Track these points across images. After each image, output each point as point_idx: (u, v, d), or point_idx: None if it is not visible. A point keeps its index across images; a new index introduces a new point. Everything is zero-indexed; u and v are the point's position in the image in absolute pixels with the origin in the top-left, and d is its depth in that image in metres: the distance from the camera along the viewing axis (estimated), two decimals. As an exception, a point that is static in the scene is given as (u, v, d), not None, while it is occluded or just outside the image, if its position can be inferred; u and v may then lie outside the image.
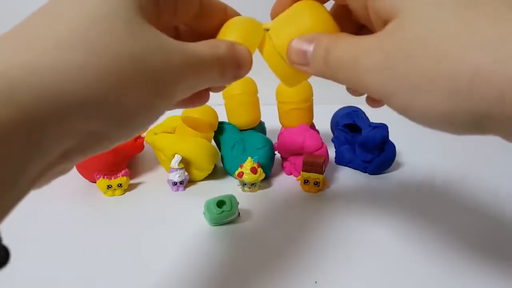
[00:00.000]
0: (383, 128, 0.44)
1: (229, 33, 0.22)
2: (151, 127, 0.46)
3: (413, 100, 0.16)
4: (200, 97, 0.22)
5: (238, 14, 0.23)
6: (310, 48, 0.20)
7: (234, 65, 0.20)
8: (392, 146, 0.45)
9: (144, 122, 0.17)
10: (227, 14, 0.22)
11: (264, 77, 0.50)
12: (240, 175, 0.40)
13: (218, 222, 0.35)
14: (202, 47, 0.18)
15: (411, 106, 0.16)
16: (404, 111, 0.17)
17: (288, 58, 0.21)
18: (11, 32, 0.14)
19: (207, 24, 0.22)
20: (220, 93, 0.45)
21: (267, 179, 0.44)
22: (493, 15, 0.14)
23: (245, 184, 0.41)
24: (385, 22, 0.17)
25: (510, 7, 0.14)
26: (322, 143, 0.43)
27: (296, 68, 0.21)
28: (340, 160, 0.48)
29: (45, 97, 0.12)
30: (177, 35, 0.23)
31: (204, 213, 0.35)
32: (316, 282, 0.28)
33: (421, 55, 0.15)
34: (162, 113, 0.17)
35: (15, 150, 0.12)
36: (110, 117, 0.14)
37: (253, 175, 0.40)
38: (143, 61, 0.15)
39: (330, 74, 0.19)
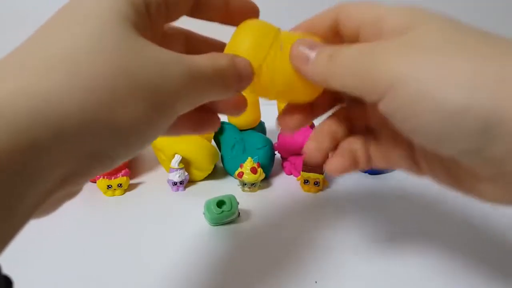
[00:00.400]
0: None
1: (239, 44, 0.21)
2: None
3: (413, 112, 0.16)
4: (209, 121, 0.22)
5: (243, 4, 0.22)
6: (312, 54, 0.20)
7: (236, 78, 0.19)
8: None
9: (144, 139, 0.16)
10: (229, 5, 0.21)
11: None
12: (240, 175, 0.40)
13: (218, 222, 0.35)
14: (202, 59, 0.17)
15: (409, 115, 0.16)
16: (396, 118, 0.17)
17: (291, 60, 0.21)
18: (6, 57, 0.14)
19: (209, 17, 0.21)
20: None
21: (267, 179, 0.44)
22: None
23: (245, 184, 0.41)
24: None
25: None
26: (322, 143, 0.43)
27: (298, 69, 0.21)
28: None
29: (38, 120, 0.12)
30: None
31: (204, 213, 0.35)
32: (316, 282, 0.28)
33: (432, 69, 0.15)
34: (163, 129, 0.16)
35: (9, 178, 0.11)
36: (108, 136, 0.14)
37: (253, 175, 0.40)
38: (138, 76, 0.14)
39: (331, 73, 0.19)
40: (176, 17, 0.20)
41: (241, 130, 0.46)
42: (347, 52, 0.18)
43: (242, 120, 0.45)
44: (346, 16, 0.21)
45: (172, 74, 0.15)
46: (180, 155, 0.41)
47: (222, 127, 0.45)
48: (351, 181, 0.44)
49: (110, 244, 0.33)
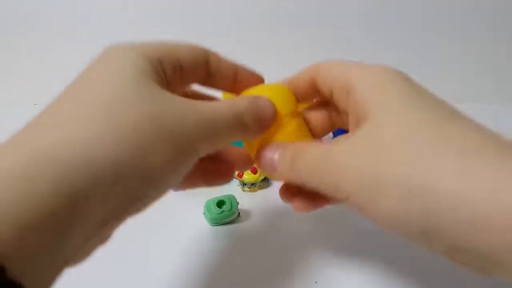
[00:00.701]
0: None
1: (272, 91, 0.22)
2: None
3: (371, 201, 0.18)
4: (222, 174, 0.23)
5: (249, 77, 0.23)
6: (275, 156, 0.21)
7: (255, 120, 0.20)
8: None
9: (170, 181, 0.18)
10: (238, 75, 0.22)
11: (264, 77, 0.50)
12: (240, 175, 0.40)
13: (218, 222, 0.35)
14: (219, 104, 0.18)
15: (368, 206, 0.18)
16: (360, 209, 0.19)
17: (258, 165, 0.22)
18: (45, 110, 0.16)
19: (219, 87, 0.23)
20: (220, 93, 0.45)
21: (267, 179, 0.44)
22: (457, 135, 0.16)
23: (245, 184, 0.41)
24: (358, 119, 0.19)
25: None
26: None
27: (266, 173, 0.23)
28: None
29: (76, 167, 0.13)
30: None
31: (204, 213, 0.35)
32: (316, 282, 0.28)
33: (382, 162, 0.16)
34: (186, 171, 0.18)
35: (53, 224, 0.12)
36: (139, 180, 0.15)
37: (253, 175, 0.40)
38: (162, 122, 0.16)
39: (295, 177, 0.20)
40: (189, 83, 0.22)
41: (241, 130, 0.46)
42: (307, 156, 0.19)
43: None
44: (320, 79, 0.22)
45: (189, 123, 0.17)
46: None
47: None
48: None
49: (109, 244, 0.33)
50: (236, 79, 0.22)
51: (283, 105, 0.22)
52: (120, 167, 0.14)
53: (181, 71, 0.20)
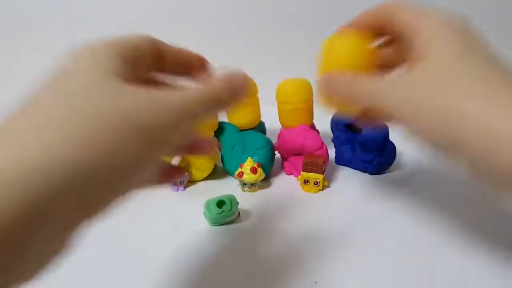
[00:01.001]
0: (383, 128, 0.44)
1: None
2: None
3: (415, 120, 0.22)
4: (206, 146, 0.24)
5: (189, 56, 0.23)
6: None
7: (230, 96, 0.20)
8: (393, 147, 0.45)
9: (143, 172, 0.17)
10: (180, 56, 0.23)
11: (264, 77, 0.50)
12: (240, 175, 0.40)
13: (218, 222, 0.35)
14: (193, 92, 0.18)
15: (413, 124, 0.23)
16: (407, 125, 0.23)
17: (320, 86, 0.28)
18: (8, 121, 0.15)
19: (170, 71, 0.23)
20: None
21: (267, 179, 0.44)
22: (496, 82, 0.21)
23: (245, 184, 0.41)
24: (417, 58, 0.23)
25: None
26: (322, 143, 0.43)
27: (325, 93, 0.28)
28: (340, 160, 0.48)
29: (36, 180, 0.13)
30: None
31: (204, 213, 0.35)
32: (316, 282, 0.28)
33: (428, 92, 0.21)
34: (160, 158, 0.18)
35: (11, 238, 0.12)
36: (111, 176, 0.15)
37: (253, 175, 0.40)
38: (133, 118, 0.15)
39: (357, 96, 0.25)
40: (150, 72, 0.21)
41: (241, 130, 0.46)
42: (369, 81, 0.25)
43: (242, 120, 0.45)
44: (396, 19, 0.25)
45: (164, 111, 0.17)
46: (180, 155, 0.41)
47: (222, 127, 0.45)
48: (351, 181, 0.44)
49: (109, 244, 0.33)
50: (180, 60, 0.23)
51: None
52: (90, 169, 0.14)
53: (143, 62, 0.20)
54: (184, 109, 0.17)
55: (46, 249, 0.15)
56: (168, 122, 0.17)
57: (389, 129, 0.44)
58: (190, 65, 0.23)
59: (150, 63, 0.21)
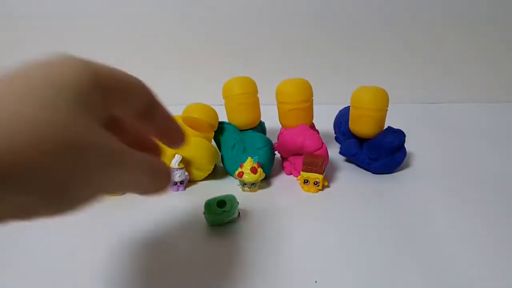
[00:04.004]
0: (400, 134, 0.44)
1: None
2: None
3: None
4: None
5: (175, 130, 0.23)
6: None
7: (159, 180, 0.21)
8: (403, 153, 0.45)
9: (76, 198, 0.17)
10: (166, 126, 0.23)
11: (264, 77, 0.50)
12: (240, 175, 0.40)
13: (218, 222, 0.35)
14: (126, 148, 0.18)
15: None
16: None
17: None
18: None
19: (146, 129, 0.23)
20: (220, 93, 0.46)
21: (267, 179, 0.44)
22: None
23: (245, 184, 0.41)
24: None
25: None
26: (322, 143, 0.43)
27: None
28: (345, 152, 0.47)
29: None
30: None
31: (204, 213, 0.35)
32: (316, 282, 0.28)
33: None
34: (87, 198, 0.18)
35: None
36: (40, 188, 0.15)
37: (253, 175, 0.40)
38: (66, 137, 0.15)
39: None
40: (127, 116, 0.21)
41: (241, 130, 0.46)
42: None
43: (242, 120, 0.45)
44: None
45: (95, 153, 0.17)
46: (180, 155, 0.41)
47: (222, 127, 0.45)
48: (351, 181, 0.44)
49: (109, 244, 0.33)
50: (162, 129, 0.23)
51: None
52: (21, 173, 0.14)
53: (124, 106, 0.20)
54: (109, 161, 0.18)
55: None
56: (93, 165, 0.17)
57: (405, 137, 0.44)
58: (165, 136, 0.23)
59: (132, 112, 0.21)
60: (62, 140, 0.15)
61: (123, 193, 0.19)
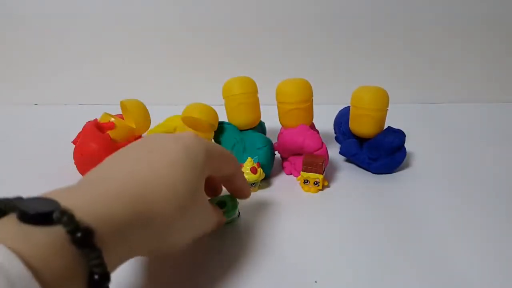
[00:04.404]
0: (400, 134, 0.44)
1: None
2: (152, 127, 0.46)
3: None
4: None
5: (240, 189, 0.34)
6: None
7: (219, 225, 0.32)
8: (403, 153, 0.45)
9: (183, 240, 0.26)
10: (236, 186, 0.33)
11: (264, 77, 0.50)
12: (240, 175, 0.40)
13: (218, 222, 0.35)
14: (218, 213, 0.31)
15: None
16: None
17: None
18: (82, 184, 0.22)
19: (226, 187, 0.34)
20: (220, 93, 0.46)
21: (267, 179, 0.44)
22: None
23: (245, 184, 0.41)
24: None
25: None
26: (322, 143, 0.43)
27: None
28: (346, 152, 0.47)
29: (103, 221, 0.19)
30: None
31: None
32: (316, 282, 0.28)
33: None
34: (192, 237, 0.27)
35: (116, 232, 0.19)
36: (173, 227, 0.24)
37: (253, 175, 0.40)
38: (195, 212, 0.25)
39: None
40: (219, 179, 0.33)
41: (241, 130, 0.46)
42: None
43: (242, 120, 0.45)
44: None
45: (207, 218, 0.28)
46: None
47: (222, 127, 0.45)
48: (350, 181, 0.44)
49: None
50: (237, 190, 0.33)
51: None
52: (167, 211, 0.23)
53: (218, 172, 0.29)
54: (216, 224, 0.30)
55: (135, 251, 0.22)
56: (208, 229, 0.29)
57: (405, 137, 0.44)
58: (237, 194, 0.34)
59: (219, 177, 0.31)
60: (190, 195, 0.24)
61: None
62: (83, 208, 0.18)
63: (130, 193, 0.21)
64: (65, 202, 0.18)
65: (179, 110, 0.45)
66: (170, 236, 0.24)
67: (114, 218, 0.19)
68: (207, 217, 0.28)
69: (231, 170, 0.31)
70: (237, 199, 0.35)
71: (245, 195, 0.34)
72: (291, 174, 0.46)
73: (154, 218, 0.22)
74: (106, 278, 0.17)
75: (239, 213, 0.36)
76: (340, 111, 0.53)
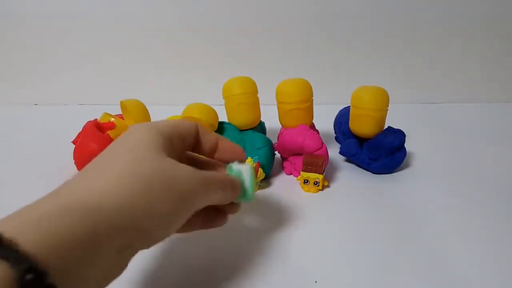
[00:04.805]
0: (400, 134, 0.44)
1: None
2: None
3: None
4: (217, 219, 0.29)
5: (228, 144, 0.29)
6: None
7: (231, 190, 0.26)
8: (403, 153, 0.45)
9: (172, 225, 0.22)
10: (219, 144, 0.29)
11: (264, 77, 0.50)
12: (240, 175, 0.40)
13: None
14: (212, 174, 0.25)
15: None
16: None
17: None
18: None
19: (204, 153, 0.29)
20: (220, 93, 0.46)
21: (267, 179, 0.44)
22: None
23: (245, 184, 0.41)
24: None
25: None
26: (322, 143, 0.43)
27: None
28: (346, 152, 0.47)
29: (99, 213, 0.18)
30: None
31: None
32: (316, 282, 0.28)
33: None
34: (187, 216, 0.23)
35: (81, 249, 0.17)
36: (149, 220, 0.20)
37: (253, 175, 0.40)
38: (168, 180, 0.21)
39: None
40: (187, 151, 0.28)
41: (241, 130, 0.46)
42: None
43: (242, 120, 0.45)
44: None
45: (193, 180, 0.23)
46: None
47: (222, 127, 0.45)
48: (351, 181, 0.44)
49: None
50: (218, 147, 0.29)
51: None
52: (133, 212, 0.19)
53: (184, 143, 0.26)
54: (203, 186, 0.23)
55: (103, 271, 0.18)
56: (193, 189, 0.22)
57: (405, 137, 0.44)
58: (224, 152, 0.29)
59: (190, 146, 0.27)
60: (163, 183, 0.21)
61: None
62: (27, 233, 0.15)
63: (87, 206, 0.18)
64: (6, 226, 0.15)
65: (179, 110, 0.45)
66: (152, 235, 0.21)
67: (67, 240, 0.16)
68: (189, 186, 0.23)
69: (192, 130, 0.27)
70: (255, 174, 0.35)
71: (240, 155, 0.30)
72: (291, 174, 0.46)
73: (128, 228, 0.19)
74: None
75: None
76: (340, 111, 0.53)
